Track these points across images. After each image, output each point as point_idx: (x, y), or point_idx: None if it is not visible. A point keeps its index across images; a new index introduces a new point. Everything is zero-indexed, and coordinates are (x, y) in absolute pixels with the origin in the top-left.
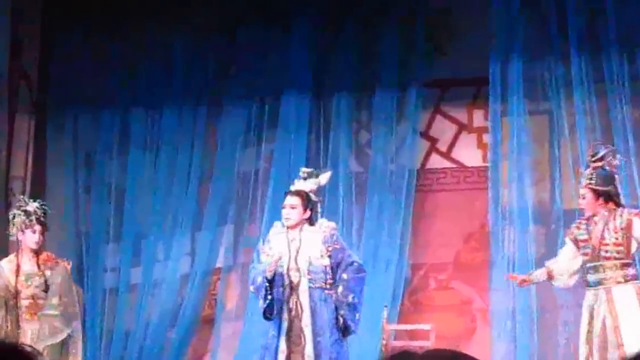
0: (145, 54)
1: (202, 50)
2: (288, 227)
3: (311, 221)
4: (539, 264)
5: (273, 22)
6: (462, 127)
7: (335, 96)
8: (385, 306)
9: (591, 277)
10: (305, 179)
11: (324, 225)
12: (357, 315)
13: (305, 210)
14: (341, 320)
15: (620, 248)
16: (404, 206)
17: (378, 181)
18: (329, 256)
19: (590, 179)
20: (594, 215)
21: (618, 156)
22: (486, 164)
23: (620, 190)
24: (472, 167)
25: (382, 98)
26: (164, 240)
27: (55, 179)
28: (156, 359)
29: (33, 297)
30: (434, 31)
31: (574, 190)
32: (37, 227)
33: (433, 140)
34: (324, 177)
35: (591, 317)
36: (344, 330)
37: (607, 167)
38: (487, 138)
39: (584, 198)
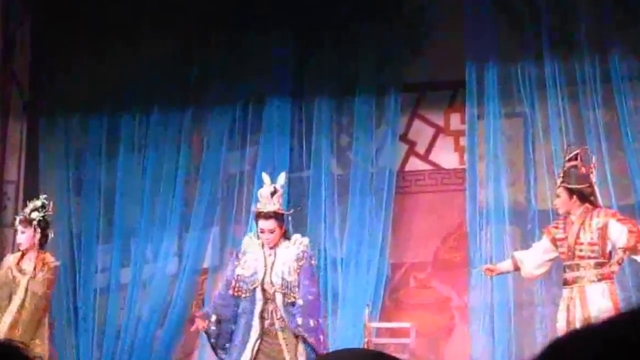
0: (133, 59)
1: (186, 55)
2: (270, 247)
3: (287, 234)
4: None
5: (254, 27)
6: (439, 130)
7: (316, 100)
8: (367, 305)
9: (567, 276)
10: (271, 196)
11: (298, 242)
12: (321, 336)
13: (281, 228)
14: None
15: (595, 248)
16: (385, 207)
17: (359, 183)
18: (298, 273)
19: (564, 178)
20: (571, 215)
21: (593, 156)
22: (463, 166)
23: (596, 190)
24: (449, 169)
25: (362, 102)
26: (153, 241)
27: (47, 181)
28: (146, 356)
29: None
30: (410, 36)
31: (548, 190)
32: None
33: (411, 144)
34: (281, 179)
35: (568, 315)
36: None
37: (581, 167)
38: (463, 141)
39: (558, 197)
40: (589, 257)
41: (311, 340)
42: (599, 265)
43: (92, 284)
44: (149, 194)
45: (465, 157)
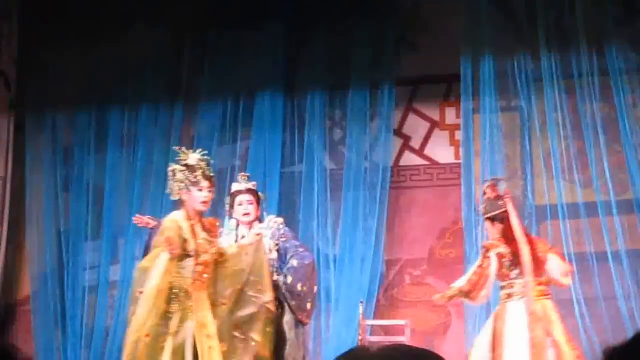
0: (121, 53)
1: (176, 49)
2: (247, 223)
3: (260, 219)
4: None
5: (246, 21)
6: (434, 125)
7: (309, 94)
8: (361, 302)
9: (514, 290)
10: (247, 180)
11: (272, 221)
12: (308, 305)
13: (257, 210)
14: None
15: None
16: (379, 203)
17: (353, 178)
18: (277, 250)
19: (484, 209)
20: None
21: (504, 185)
22: (459, 161)
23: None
24: (444, 164)
25: (355, 96)
26: (142, 238)
27: (34, 178)
28: None
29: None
30: (404, 29)
31: (545, 186)
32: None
33: (406, 138)
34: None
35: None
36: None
37: (495, 196)
38: (459, 135)
39: (486, 229)
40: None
41: (292, 304)
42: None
43: (80, 283)
44: (139, 190)
45: (461, 152)
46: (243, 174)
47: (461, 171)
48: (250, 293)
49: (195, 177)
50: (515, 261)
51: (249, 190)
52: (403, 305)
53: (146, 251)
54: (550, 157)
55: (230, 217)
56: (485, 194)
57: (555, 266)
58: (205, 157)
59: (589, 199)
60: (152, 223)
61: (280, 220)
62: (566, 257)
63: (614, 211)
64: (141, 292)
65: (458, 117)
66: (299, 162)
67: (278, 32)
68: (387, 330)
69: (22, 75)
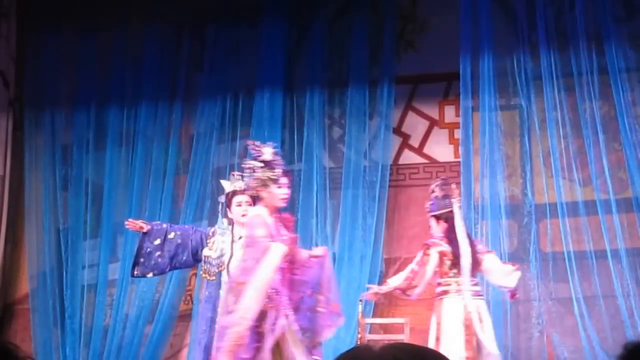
0: (120, 50)
1: (175, 46)
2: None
3: None
4: (512, 257)
5: (244, 18)
6: (433, 123)
7: (307, 92)
8: (360, 300)
9: (451, 287)
10: (240, 179)
11: None
12: None
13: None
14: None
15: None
16: (378, 201)
17: (352, 176)
18: None
19: (430, 206)
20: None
21: (453, 186)
22: (458, 159)
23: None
24: (444, 162)
25: (354, 94)
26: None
27: (33, 176)
28: (135, 354)
29: None
30: (404, 27)
31: (545, 184)
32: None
33: (405, 136)
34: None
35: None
36: None
37: (441, 195)
38: (458, 133)
39: (431, 227)
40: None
41: None
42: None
43: (79, 281)
44: (138, 189)
45: (460, 150)
46: (235, 172)
47: (460, 169)
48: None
49: (275, 174)
50: (455, 260)
51: (244, 191)
52: (402, 303)
53: (138, 254)
54: (549, 155)
55: (224, 216)
56: (433, 192)
57: (495, 267)
58: (277, 150)
59: (588, 197)
60: (146, 227)
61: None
62: (565, 255)
63: (613, 209)
64: (240, 283)
65: (457, 115)
66: (298, 160)
67: (277, 31)
68: (386, 329)
69: (21, 73)
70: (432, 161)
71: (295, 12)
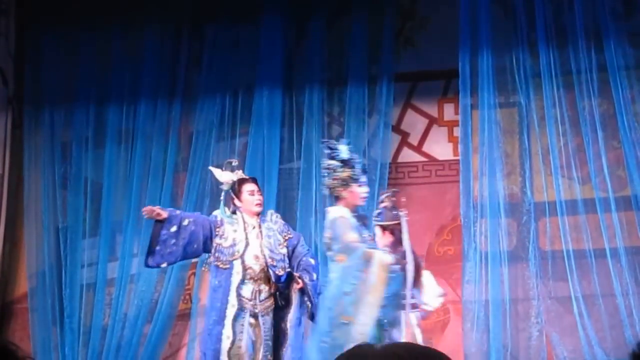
0: (119, 48)
1: (174, 45)
2: (256, 214)
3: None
4: (511, 256)
5: (243, 16)
6: (432, 121)
7: (306, 90)
8: None
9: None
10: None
11: (275, 215)
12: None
13: None
14: (309, 305)
15: None
16: (377, 200)
17: None
18: (286, 245)
19: (378, 216)
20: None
21: (403, 199)
22: (457, 157)
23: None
24: (443, 160)
25: (353, 92)
26: (140, 234)
27: (32, 174)
28: (134, 354)
29: None
30: (402, 24)
31: (544, 182)
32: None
33: (404, 134)
34: None
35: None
36: (310, 316)
37: (391, 206)
38: (457, 131)
39: (376, 234)
40: None
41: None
42: None
43: (78, 280)
44: (137, 187)
45: (459, 148)
46: (232, 160)
47: (459, 167)
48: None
49: (355, 173)
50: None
51: (254, 179)
52: None
53: (153, 242)
54: (548, 153)
55: (231, 206)
56: (382, 202)
57: (429, 285)
58: (352, 146)
59: (588, 195)
60: (164, 214)
61: (279, 214)
62: (564, 254)
63: (612, 208)
64: (347, 293)
65: (456, 113)
66: (297, 159)
67: (276, 29)
68: None
69: (20, 71)
70: (431, 159)
71: (294, 10)
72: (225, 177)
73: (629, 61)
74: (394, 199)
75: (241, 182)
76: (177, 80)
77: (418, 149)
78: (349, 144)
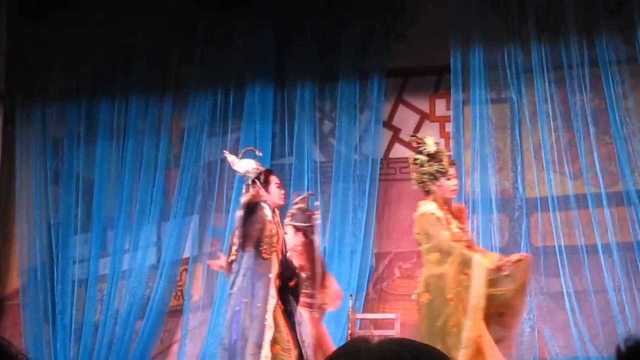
0: (110, 45)
1: (166, 41)
2: (279, 207)
3: None
4: (503, 251)
5: (235, 12)
6: (424, 116)
7: (298, 86)
8: (351, 295)
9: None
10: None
11: None
12: None
13: None
14: None
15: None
16: (368, 195)
17: (342, 170)
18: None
19: (293, 217)
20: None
21: (316, 203)
22: (449, 153)
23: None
24: None
25: (345, 88)
26: (132, 230)
27: (23, 171)
28: (125, 350)
29: None
30: (394, 20)
31: (536, 177)
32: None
33: (396, 130)
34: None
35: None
36: None
37: (307, 208)
38: (449, 127)
39: (286, 234)
40: None
41: None
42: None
43: (69, 276)
44: (128, 183)
45: (451, 143)
46: (252, 148)
47: None
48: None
49: (443, 167)
50: (310, 274)
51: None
52: (393, 299)
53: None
54: (540, 148)
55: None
56: (296, 203)
57: (332, 288)
58: (438, 140)
59: (579, 190)
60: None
61: None
62: (556, 249)
63: (604, 203)
64: (451, 299)
65: (448, 108)
66: (289, 154)
67: (268, 24)
68: (376, 324)
69: (11, 67)
70: None
71: (286, 5)
72: (247, 165)
73: (621, 56)
74: (307, 201)
75: (268, 172)
76: (168, 76)
77: (409, 144)
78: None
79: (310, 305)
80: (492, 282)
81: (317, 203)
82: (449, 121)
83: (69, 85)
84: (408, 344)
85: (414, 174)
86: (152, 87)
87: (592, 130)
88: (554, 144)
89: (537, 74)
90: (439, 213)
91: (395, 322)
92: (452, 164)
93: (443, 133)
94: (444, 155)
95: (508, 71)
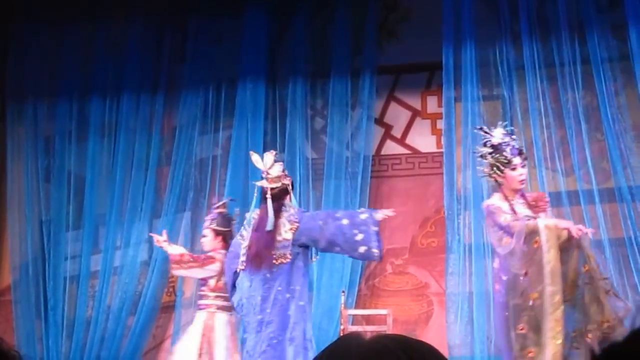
0: (102, 41)
1: (157, 38)
2: None
3: None
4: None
5: (226, 9)
6: (416, 113)
7: (290, 83)
8: (343, 291)
9: (220, 302)
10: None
11: None
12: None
13: None
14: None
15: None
16: (360, 192)
17: (334, 167)
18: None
19: (212, 221)
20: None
21: (237, 210)
22: (440, 150)
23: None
24: (426, 152)
25: (336, 85)
26: (124, 227)
27: (15, 168)
28: (117, 346)
29: None
30: (385, 17)
31: (528, 174)
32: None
33: (387, 127)
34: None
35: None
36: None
37: (227, 213)
38: (440, 124)
39: (205, 237)
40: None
41: None
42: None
43: (61, 272)
44: (120, 180)
45: (443, 140)
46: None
47: (443, 160)
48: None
49: (505, 158)
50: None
51: None
52: (385, 295)
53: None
54: (532, 145)
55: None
56: (217, 207)
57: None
58: (509, 129)
59: (571, 187)
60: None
61: None
62: None
63: (596, 200)
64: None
65: (440, 105)
66: (281, 151)
67: (259, 21)
68: (368, 320)
69: (3, 64)
70: (415, 152)
71: (277, 2)
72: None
73: (613, 53)
74: (227, 206)
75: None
76: (160, 73)
77: (401, 141)
78: (505, 126)
79: (229, 309)
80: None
81: (237, 210)
82: (441, 118)
83: (60, 83)
84: (400, 339)
85: (484, 167)
86: (144, 85)
87: (584, 127)
88: (546, 141)
89: (529, 71)
90: (500, 203)
91: (388, 317)
92: (519, 153)
93: (435, 130)
94: (507, 146)
95: (500, 68)
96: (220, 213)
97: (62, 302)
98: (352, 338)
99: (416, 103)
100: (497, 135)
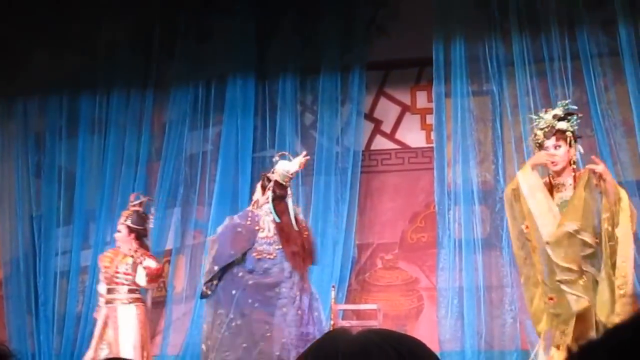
0: (91, 38)
1: (146, 34)
2: None
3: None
4: (485, 243)
5: (216, 5)
6: (405, 109)
7: (279, 79)
8: (333, 286)
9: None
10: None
11: None
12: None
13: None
14: None
15: (129, 277)
16: (350, 187)
17: (324, 163)
18: None
19: (128, 217)
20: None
21: (152, 210)
22: (430, 145)
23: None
24: (416, 148)
25: (326, 80)
26: (114, 222)
27: (5, 164)
28: None
29: None
30: (375, 13)
31: (517, 170)
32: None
33: (377, 122)
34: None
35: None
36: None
37: (143, 212)
38: (430, 119)
39: (119, 232)
40: (124, 284)
41: None
42: (131, 291)
43: (52, 268)
44: (110, 176)
45: (433, 136)
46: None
47: (433, 155)
48: None
49: (538, 140)
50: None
51: None
52: (375, 290)
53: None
54: (521, 141)
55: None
56: (134, 205)
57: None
58: (549, 113)
59: None
60: None
61: None
62: None
63: None
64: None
65: (429, 101)
66: (271, 147)
67: (248, 17)
68: (359, 315)
69: None
70: (404, 147)
71: None
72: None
73: (602, 49)
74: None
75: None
76: (150, 70)
77: (391, 136)
78: (565, 106)
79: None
80: None
81: (153, 210)
82: (431, 113)
83: (50, 79)
84: (387, 334)
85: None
86: (134, 81)
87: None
88: None
89: (518, 67)
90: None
91: (378, 312)
92: (551, 135)
93: (424, 125)
94: (540, 130)
95: (489, 64)
96: (136, 211)
97: (52, 297)
98: (338, 334)
99: (406, 98)
100: (547, 118)
